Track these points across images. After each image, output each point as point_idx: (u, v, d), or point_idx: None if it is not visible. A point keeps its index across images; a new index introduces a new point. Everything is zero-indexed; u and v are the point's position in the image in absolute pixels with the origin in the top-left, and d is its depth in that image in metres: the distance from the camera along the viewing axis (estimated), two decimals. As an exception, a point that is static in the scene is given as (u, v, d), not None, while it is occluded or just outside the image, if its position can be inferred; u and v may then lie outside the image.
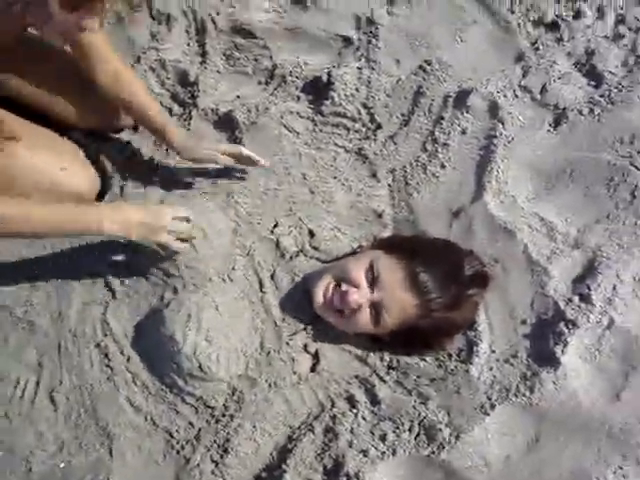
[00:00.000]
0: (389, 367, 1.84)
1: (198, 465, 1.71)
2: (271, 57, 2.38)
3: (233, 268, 1.88)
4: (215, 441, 1.74)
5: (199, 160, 2.03)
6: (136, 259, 1.89)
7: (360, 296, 1.74)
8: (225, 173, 2.10)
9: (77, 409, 1.80)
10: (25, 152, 1.98)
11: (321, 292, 1.79)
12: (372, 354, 1.85)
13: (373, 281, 1.76)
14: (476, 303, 1.84)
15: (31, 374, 1.85)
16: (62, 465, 1.76)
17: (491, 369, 1.79)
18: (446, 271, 1.77)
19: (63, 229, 1.68)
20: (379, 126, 2.14)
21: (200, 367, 1.71)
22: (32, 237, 1.84)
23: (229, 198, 2.02)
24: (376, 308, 1.75)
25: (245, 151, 1.99)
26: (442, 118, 2.14)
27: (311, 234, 1.97)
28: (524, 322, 1.85)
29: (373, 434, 1.72)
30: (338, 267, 1.84)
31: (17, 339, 1.90)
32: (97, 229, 1.66)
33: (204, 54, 2.42)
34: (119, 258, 1.91)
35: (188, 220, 1.77)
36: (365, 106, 2.17)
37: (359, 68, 2.23)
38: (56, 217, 1.66)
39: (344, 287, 1.76)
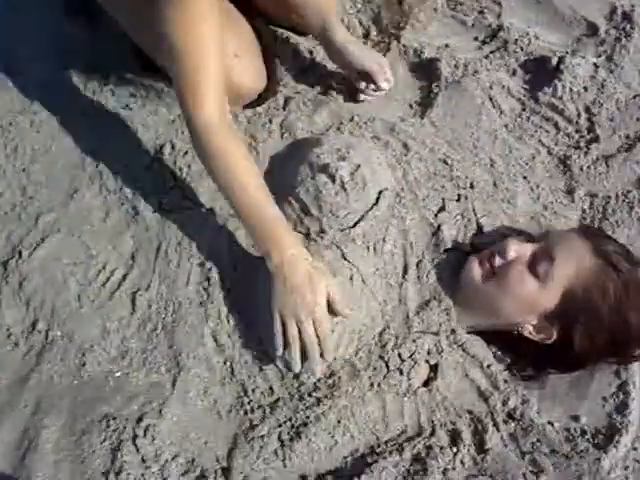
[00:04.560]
0: (510, 415, 1.55)
1: (262, 437, 1.49)
2: (499, 16, 2.10)
3: (383, 239, 1.61)
4: (290, 419, 1.51)
5: (357, 66, 1.82)
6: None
7: (521, 246, 1.51)
8: (405, 124, 1.85)
9: (155, 321, 1.62)
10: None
11: (475, 258, 1.57)
12: (496, 394, 1.55)
13: (538, 240, 1.55)
14: None
15: (121, 265, 1.69)
16: (118, 374, 1.60)
17: (626, 468, 1.48)
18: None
19: (252, 223, 1.53)
20: (596, 139, 1.82)
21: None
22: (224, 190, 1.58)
23: (402, 155, 1.75)
24: (539, 256, 1.48)
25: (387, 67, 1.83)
26: (673, 158, 1.82)
27: (479, 230, 1.69)
28: (682, 436, 1.53)
29: (467, 486, 1.46)
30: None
31: (117, 221, 1.76)
32: (266, 254, 1.51)
33: (426, -16, 2.14)
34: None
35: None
36: (588, 111, 1.86)
37: (596, 65, 1.91)
38: (264, 211, 1.53)
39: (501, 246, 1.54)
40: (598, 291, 1.46)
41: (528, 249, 1.51)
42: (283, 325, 1.47)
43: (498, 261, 1.51)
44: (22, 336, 1.64)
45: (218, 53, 1.54)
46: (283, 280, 1.47)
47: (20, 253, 1.71)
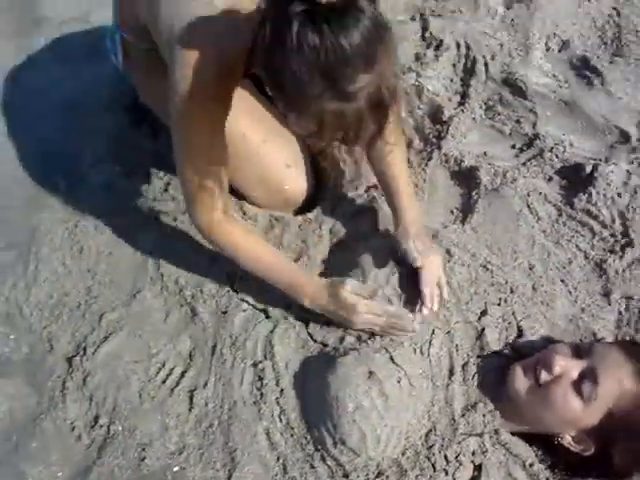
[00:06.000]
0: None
1: (314, 532, 1.53)
2: (535, 125, 2.16)
3: (430, 342, 1.69)
4: (341, 516, 1.54)
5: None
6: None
7: (567, 362, 1.52)
8: (447, 231, 1.92)
9: (211, 419, 1.68)
10: (256, 138, 1.87)
11: (520, 367, 1.59)
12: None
13: (582, 354, 1.55)
14: None
15: (179, 363, 1.78)
16: (175, 469, 1.64)
17: None
18: None
19: (277, 284, 1.71)
20: (630, 243, 1.85)
21: (358, 439, 1.52)
22: (249, 271, 1.75)
23: (445, 261, 1.81)
24: (584, 376, 1.50)
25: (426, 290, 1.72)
26: None
27: (519, 333, 1.74)
28: None
29: None
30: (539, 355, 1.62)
31: (177, 321, 1.85)
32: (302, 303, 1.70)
33: (464, 96, 2.26)
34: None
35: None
36: (622, 216, 1.89)
37: (629, 172, 1.95)
38: (279, 274, 1.71)
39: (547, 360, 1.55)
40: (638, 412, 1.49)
41: (574, 367, 1.52)
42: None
43: (544, 376, 1.53)
44: (85, 430, 1.69)
45: (219, 150, 1.60)
46: (326, 313, 1.67)
47: (85, 350, 1.79)
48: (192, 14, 1.46)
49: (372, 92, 1.23)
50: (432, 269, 1.73)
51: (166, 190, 2.09)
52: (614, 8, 2.52)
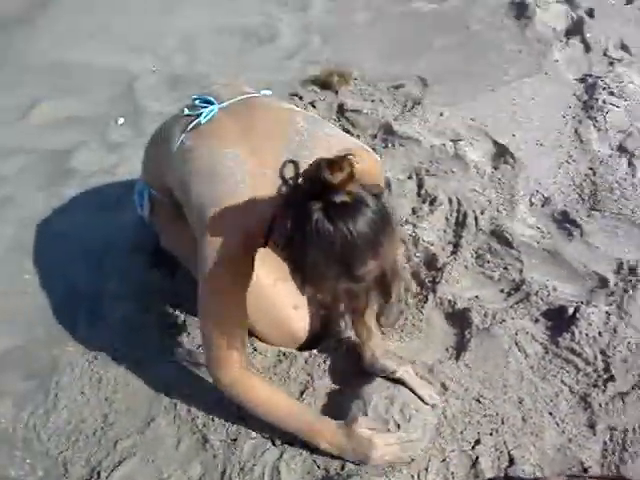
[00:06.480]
0: None
1: None
2: (521, 271, 2.37)
3: (426, 469, 1.80)
4: None
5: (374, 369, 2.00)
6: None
7: None
8: (442, 366, 2.07)
9: None
10: (267, 282, 2.05)
11: None
12: None
13: None
14: None
15: None
16: None
17: None
18: None
19: (295, 431, 1.84)
20: (612, 378, 2.00)
21: None
22: (266, 420, 1.88)
23: (440, 394, 1.97)
24: None
25: (422, 391, 1.93)
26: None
27: (511, 462, 1.84)
28: None
29: None
30: None
31: (188, 448, 1.93)
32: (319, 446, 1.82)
33: (457, 246, 2.49)
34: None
35: None
36: (603, 353, 2.05)
37: (608, 313, 2.14)
38: (296, 422, 1.84)
39: None
40: None
41: None
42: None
43: None
44: None
45: (241, 315, 1.81)
46: (345, 454, 1.79)
47: (99, 474, 1.86)
48: (222, 198, 1.73)
49: (378, 274, 1.49)
50: (412, 375, 1.95)
51: (180, 325, 2.25)
52: (590, 168, 2.83)
